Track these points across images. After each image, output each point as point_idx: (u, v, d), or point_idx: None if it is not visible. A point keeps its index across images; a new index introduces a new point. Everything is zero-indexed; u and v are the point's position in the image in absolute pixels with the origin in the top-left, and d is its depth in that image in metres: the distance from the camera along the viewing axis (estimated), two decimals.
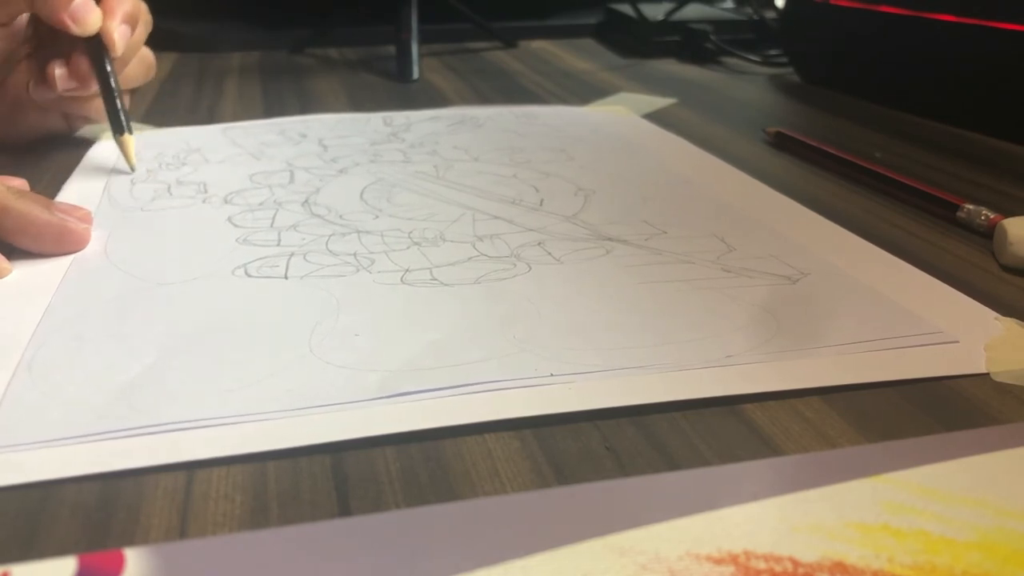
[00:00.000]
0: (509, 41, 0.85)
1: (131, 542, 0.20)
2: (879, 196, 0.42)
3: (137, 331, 0.29)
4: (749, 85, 0.69)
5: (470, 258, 0.35)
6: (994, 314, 0.30)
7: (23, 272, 0.33)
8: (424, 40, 0.74)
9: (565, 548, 0.19)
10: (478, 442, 0.23)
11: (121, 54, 0.46)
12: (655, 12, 0.83)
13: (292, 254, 0.35)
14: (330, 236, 0.37)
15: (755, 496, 0.21)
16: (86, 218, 0.36)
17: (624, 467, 0.22)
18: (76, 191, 0.42)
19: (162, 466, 0.22)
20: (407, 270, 0.33)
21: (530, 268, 0.34)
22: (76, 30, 0.43)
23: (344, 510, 0.21)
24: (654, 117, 0.57)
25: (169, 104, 0.62)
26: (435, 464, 0.22)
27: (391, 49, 0.76)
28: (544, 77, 0.72)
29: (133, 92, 0.52)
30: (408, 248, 0.36)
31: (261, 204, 0.41)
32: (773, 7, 0.86)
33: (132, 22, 0.46)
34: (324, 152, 0.49)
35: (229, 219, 0.39)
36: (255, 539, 0.20)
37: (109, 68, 0.45)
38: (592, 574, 0.18)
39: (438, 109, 0.59)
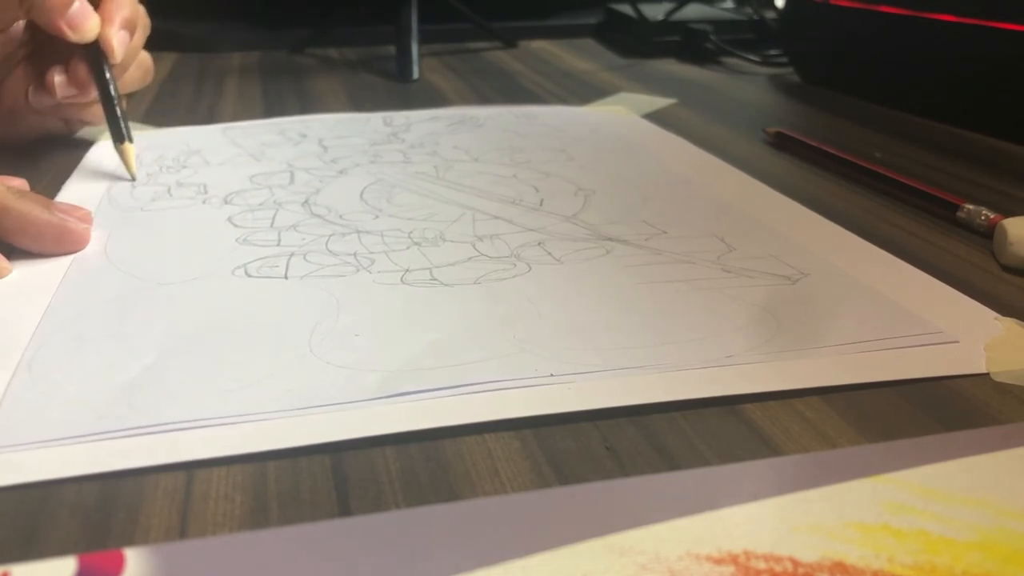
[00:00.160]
0: (509, 41, 0.85)
1: (131, 542, 0.20)
2: (879, 196, 0.42)
3: (137, 331, 0.29)
4: (749, 85, 0.69)
5: (470, 258, 0.35)
6: (994, 314, 0.30)
7: (23, 272, 0.33)
8: (424, 40, 0.74)
9: (565, 548, 0.19)
10: (478, 442, 0.23)
11: (120, 60, 0.45)
12: (655, 12, 0.83)
13: (292, 254, 0.35)
14: (330, 236, 0.37)
15: (755, 496, 0.21)
16: (86, 218, 0.36)
17: (624, 467, 0.22)
18: (76, 191, 0.42)
19: (162, 466, 0.22)
20: (407, 270, 0.33)
21: (530, 268, 0.34)
22: (73, 37, 0.43)
23: (344, 510, 0.21)
24: (654, 117, 0.57)
25: (169, 104, 0.62)
26: (435, 464, 0.22)
27: (391, 49, 0.76)
28: (544, 77, 0.72)
29: (131, 95, 0.51)
30: (408, 248, 0.36)
31: (261, 204, 0.41)
32: (773, 7, 0.86)
33: (131, 27, 0.46)
34: (324, 152, 0.49)
35: (229, 219, 0.39)
36: (255, 539, 0.20)
37: (108, 75, 0.45)
38: (592, 574, 0.18)
39: (438, 109, 0.59)
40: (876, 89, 0.61)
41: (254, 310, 0.30)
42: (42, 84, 0.45)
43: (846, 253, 0.35)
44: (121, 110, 0.45)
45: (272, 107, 0.61)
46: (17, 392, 0.25)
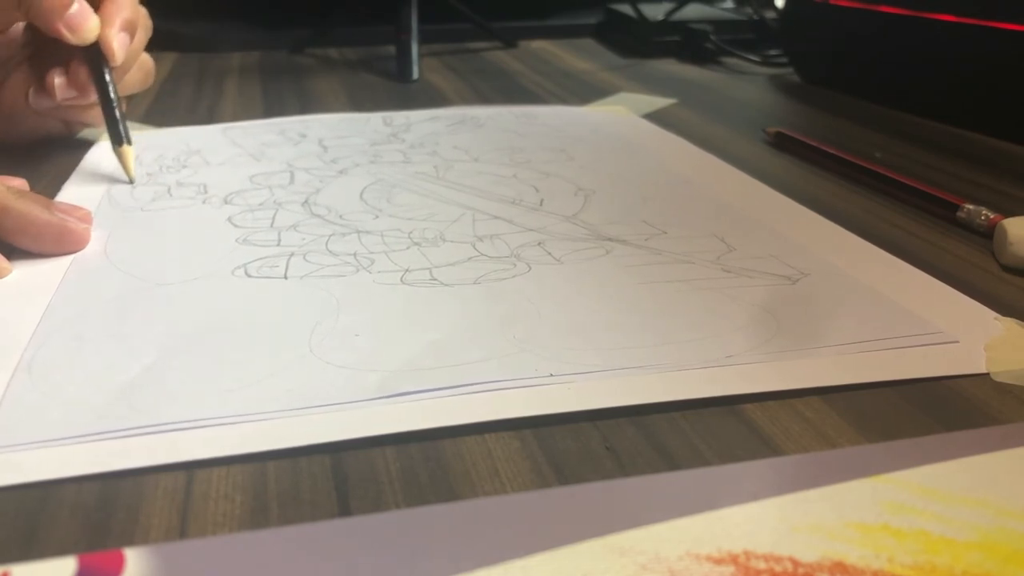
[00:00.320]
0: (509, 41, 0.85)
1: (131, 542, 0.20)
2: (879, 196, 0.42)
3: (137, 331, 0.29)
4: (749, 85, 0.69)
5: (470, 258, 0.35)
6: (994, 314, 0.30)
7: (23, 272, 0.33)
8: (424, 40, 0.74)
9: (565, 548, 0.19)
10: (478, 442, 0.23)
11: (121, 63, 0.45)
12: (655, 12, 0.83)
13: (292, 254, 0.35)
14: (330, 236, 0.37)
15: (755, 496, 0.21)
16: (86, 218, 0.36)
17: (624, 467, 0.22)
18: (76, 191, 0.42)
19: (162, 466, 0.22)
20: (407, 270, 0.33)
21: (530, 268, 0.34)
22: (72, 39, 0.43)
23: (344, 510, 0.21)
24: (654, 117, 0.57)
25: (169, 104, 0.62)
26: (435, 464, 0.22)
27: (391, 49, 0.76)
28: (544, 77, 0.72)
29: (131, 97, 0.51)
30: (408, 248, 0.36)
31: (261, 204, 0.41)
32: (773, 7, 0.86)
33: (131, 29, 0.45)
34: (324, 152, 0.49)
35: (229, 219, 0.39)
36: (255, 539, 0.20)
37: (108, 77, 0.44)
38: (592, 574, 0.18)
39: (438, 109, 0.59)
40: (876, 89, 0.61)
41: (254, 310, 0.30)
42: (42, 86, 0.44)
43: (846, 253, 0.35)
44: (120, 112, 0.45)
45: (272, 107, 0.61)
46: (17, 392, 0.25)
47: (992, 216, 0.37)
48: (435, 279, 0.33)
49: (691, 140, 0.51)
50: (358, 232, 0.37)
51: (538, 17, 0.93)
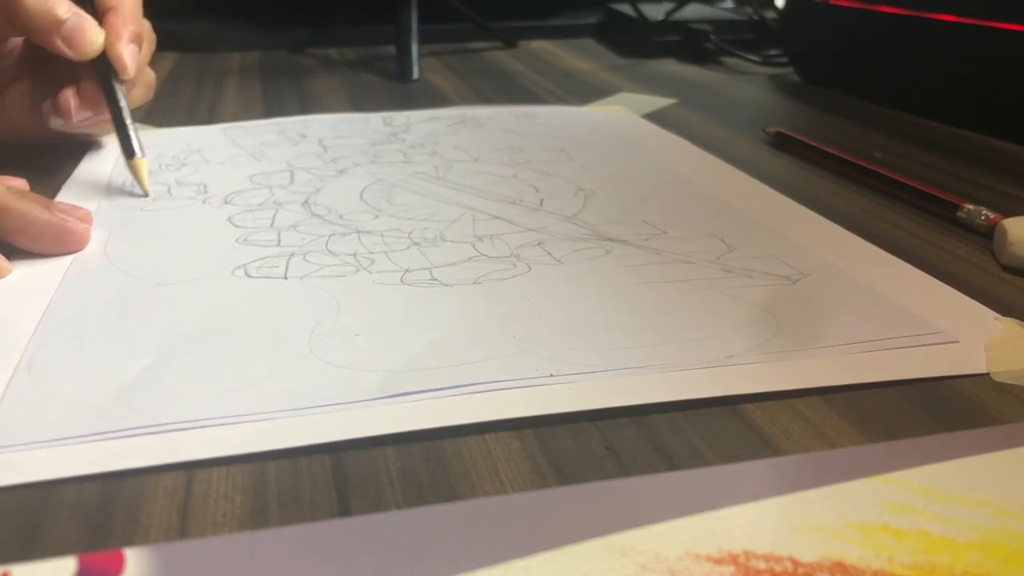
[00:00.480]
0: (509, 41, 0.85)
1: (131, 542, 0.20)
2: (879, 196, 0.42)
3: (137, 331, 0.29)
4: (749, 85, 0.69)
5: (470, 258, 0.35)
6: (994, 314, 0.30)
7: (23, 272, 0.33)
8: (424, 40, 0.74)
9: (565, 548, 0.19)
10: (478, 442, 0.23)
11: (132, 76, 0.43)
12: (655, 12, 0.83)
13: (292, 254, 0.35)
14: (330, 236, 0.37)
15: (755, 496, 0.21)
16: (86, 218, 0.36)
17: (624, 467, 0.22)
18: (76, 191, 0.42)
19: (162, 466, 0.22)
20: (407, 270, 0.33)
21: (530, 268, 0.34)
22: (72, 55, 0.41)
23: (344, 510, 0.21)
24: (654, 117, 0.57)
25: (169, 104, 0.62)
26: (435, 464, 0.22)
27: (391, 49, 0.76)
28: (544, 77, 0.72)
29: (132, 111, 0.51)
30: (408, 248, 0.36)
31: (261, 204, 0.41)
32: (773, 7, 0.86)
33: (139, 41, 0.44)
34: (324, 152, 0.49)
35: (229, 219, 0.39)
36: (255, 539, 0.20)
37: (119, 91, 0.43)
38: (592, 574, 0.18)
39: (438, 109, 0.59)
40: (876, 89, 0.61)
41: (254, 310, 0.30)
42: (55, 107, 0.43)
43: (846, 253, 0.35)
44: (133, 126, 0.43)
45: (272, 107, 0.61)
46: (17, 392, 0.25)
47: (992, 216, 0.37)
48: (435, 279, 0.33)
49: (691, 140, 0.51)
50: (358, 232, 0.37)
51: (538, 17, 0.93)
